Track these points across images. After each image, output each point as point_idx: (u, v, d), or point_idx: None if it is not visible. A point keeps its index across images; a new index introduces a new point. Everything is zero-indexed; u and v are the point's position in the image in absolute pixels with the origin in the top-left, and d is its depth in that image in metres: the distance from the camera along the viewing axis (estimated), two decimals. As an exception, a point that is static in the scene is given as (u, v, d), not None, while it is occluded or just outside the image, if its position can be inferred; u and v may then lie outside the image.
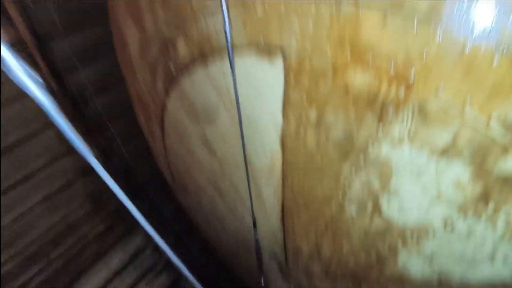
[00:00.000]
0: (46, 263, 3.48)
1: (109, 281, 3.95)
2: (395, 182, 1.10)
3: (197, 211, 2.94)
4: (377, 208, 1.18)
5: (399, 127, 1.02)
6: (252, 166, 1.55)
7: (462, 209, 1.00)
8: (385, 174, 1.10)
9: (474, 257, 1.04)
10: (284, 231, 1.66)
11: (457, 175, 0.97)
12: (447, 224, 1.05)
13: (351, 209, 1.25)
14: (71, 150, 3.87)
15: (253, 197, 1.63)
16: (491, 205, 0.95)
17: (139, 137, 4.76)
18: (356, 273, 1.44)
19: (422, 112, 0.98)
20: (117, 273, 4.04)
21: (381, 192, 1.15)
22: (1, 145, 2.40)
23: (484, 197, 0.95)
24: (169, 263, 4.49)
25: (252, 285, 3.05)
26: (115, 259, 4.06)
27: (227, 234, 2.39)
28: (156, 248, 4.51)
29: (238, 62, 1.29)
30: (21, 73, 1.89)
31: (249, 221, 1.75)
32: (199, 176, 2.16)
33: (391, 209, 1.15)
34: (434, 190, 1.03)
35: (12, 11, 1.96)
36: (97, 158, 4.00)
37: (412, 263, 1.20)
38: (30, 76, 2.11)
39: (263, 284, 1.88)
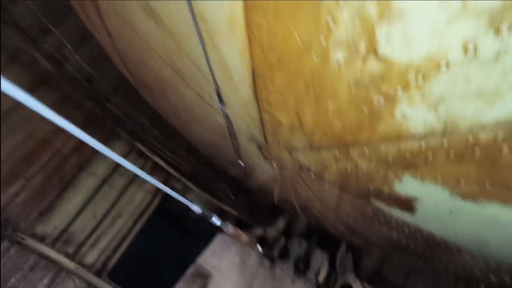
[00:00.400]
0: (25, 182, 3.28)
1: (98, 189, 3.86)
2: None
3: (167, 109, 2.60)
4: (372, 46, 0.86)
5: None
6: (206, 23, 1.14)
7: (495, 21, 0.69)
8: (387, -13, 0.74)
9: (496, 88, 0.78)
10: (259, 106, 1.37)
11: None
12: (468, 49, 0.75)
13: (338, 56, 0.93)
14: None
15: (216, 66, 1.28)
16: (541, 5, 0.63)
17: (91, 41, 4.06)
18: (344, 139, 1.22)
19: None
20: (105, 180, 3.94)
21: (379, 22, 0.81)
22: None
23: (534, -6, 0.63)
24: (157, 165, 4.40)
25: (236, 175, 2.98)
26: (100, 168, 3.89)
27: (201, 125, 2.12)
28: (141, 152, 4.35)
29: None
30: None
31: (217, 99, 1.44)
32: (153, 59, 1.74)
33: (391, 44, 0.83)
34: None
35: None
36: (44, 66, 3.42)
37: (413, 113, 0.95)
38: None
39: (242, 165, 1.70)
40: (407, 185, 1.25)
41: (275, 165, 1.77)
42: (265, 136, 1.51)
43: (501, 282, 1.77)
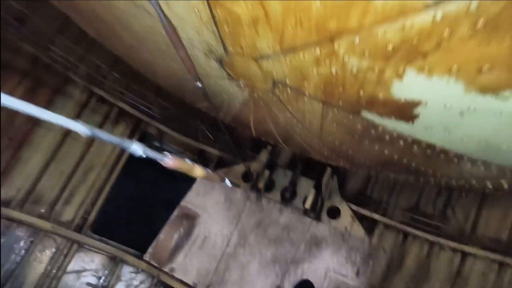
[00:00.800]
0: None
1: (60, 144, 3.47)
2: None
3: (105, 32, 2.10)
4: None
5: None
6: None
7: None
8: None
9: None
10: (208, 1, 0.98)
11: None
12: None
13: None
14: None
15: None
16: None
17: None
18: (326, 28, 0.88)
19: None
20: (66, 134, 3.52)
21: None
22: None
23: None
24: (122, 111, 3.97)
25: (207, 108, 2.64)
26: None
27: (147, 46, 1.70)
28: (103, 98, 3.88)
29: None
30: None
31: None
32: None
33: None
34: None
35: None
36: None
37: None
38: None
39: (200, 87, 1.36)
40: (409, 85, 0.97)
41: (243, 85, 1.43)
42: (224, 44, 1.14)
43: (497, 187, 1.65)
